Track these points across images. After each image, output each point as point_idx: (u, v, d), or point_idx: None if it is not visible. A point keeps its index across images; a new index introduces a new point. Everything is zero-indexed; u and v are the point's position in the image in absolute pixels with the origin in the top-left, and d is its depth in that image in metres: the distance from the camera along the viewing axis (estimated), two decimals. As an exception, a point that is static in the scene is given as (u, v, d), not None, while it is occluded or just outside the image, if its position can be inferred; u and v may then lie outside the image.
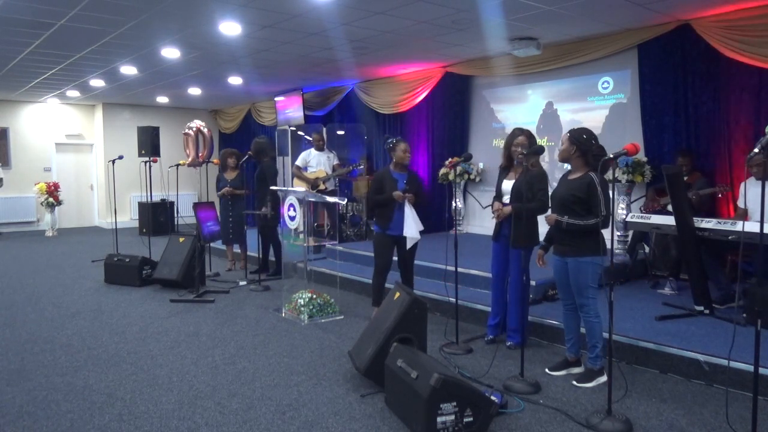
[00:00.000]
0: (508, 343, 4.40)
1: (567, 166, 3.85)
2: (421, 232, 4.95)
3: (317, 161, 7.86)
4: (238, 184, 7.43)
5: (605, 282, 3.44)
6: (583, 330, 3.84)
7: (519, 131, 4.26)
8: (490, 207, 4.57)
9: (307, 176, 7.79)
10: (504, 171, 4.44)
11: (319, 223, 7.89)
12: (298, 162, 7.94)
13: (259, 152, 7.10)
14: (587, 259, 3.58)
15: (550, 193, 4.02)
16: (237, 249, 7.82)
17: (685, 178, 5.53)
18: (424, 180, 9.35)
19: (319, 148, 7.93)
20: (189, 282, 6.43)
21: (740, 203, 5.10)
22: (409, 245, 4.92)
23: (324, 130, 8.84)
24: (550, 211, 3.89)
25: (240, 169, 7.54)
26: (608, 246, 3.47)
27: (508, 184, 4.32)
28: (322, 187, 7.71)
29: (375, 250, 5.11)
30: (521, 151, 4.10)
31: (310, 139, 10.08)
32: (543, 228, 4.00)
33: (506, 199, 4.31)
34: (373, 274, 5.15)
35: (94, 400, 3.53)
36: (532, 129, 8.02)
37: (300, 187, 7.44)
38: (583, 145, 3.61)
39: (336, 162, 7.97)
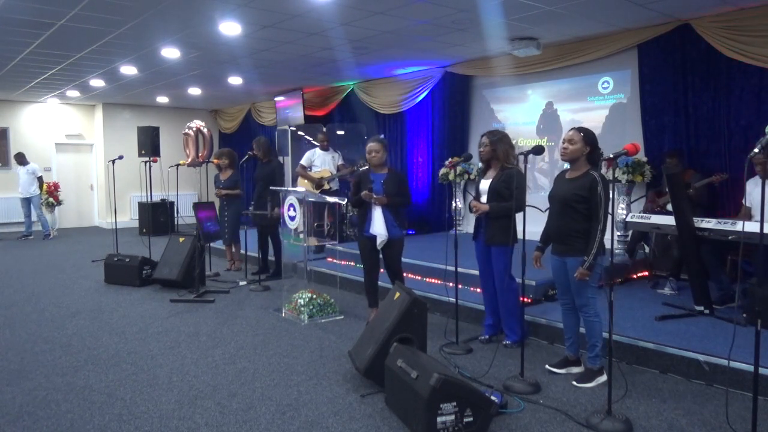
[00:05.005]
0: (504, 342, 4.40)
1: (566, 165, 3.83)
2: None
3: (322, 161, 7.88)
4: (229, 184, 7.42)
5: (606, 282, 3.43)
6: (582, 329, 3.84)
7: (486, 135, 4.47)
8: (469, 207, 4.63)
9: (312, 176, 7.81)
10: (482, 173, 4.55)
11: (321, 222, 7.89)
12: (303, 161, 7.96)
13: (266, 152, 7.15)
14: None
15: (548, 193, 4.02)
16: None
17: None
18: (423, 180, 9.36)
19: (324, 148, 7.94)
20: (189, 282, 6.42)
21: (745, 201, 5.06)
22: (378, 245, 4.86)
23: (324, 130, 8.84)
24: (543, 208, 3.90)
25: (234, 170, 7.51)
26: (607, 246, 3.47)
27: (485, 184, 4.38)
28: (326, 186, 7.73)
29: (359, 253, 5.12)
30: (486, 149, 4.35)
31: (310, 139, 10.08)
32: (536, 228, 4.00)
33: (484, 198, 4.36)
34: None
35: (94, 400, 3.53)
36: (532, 129, 8.05)
37: (303, 187, 7.47)
38: (594, 144, 3.63)
39: (341, 162, 7.98)
